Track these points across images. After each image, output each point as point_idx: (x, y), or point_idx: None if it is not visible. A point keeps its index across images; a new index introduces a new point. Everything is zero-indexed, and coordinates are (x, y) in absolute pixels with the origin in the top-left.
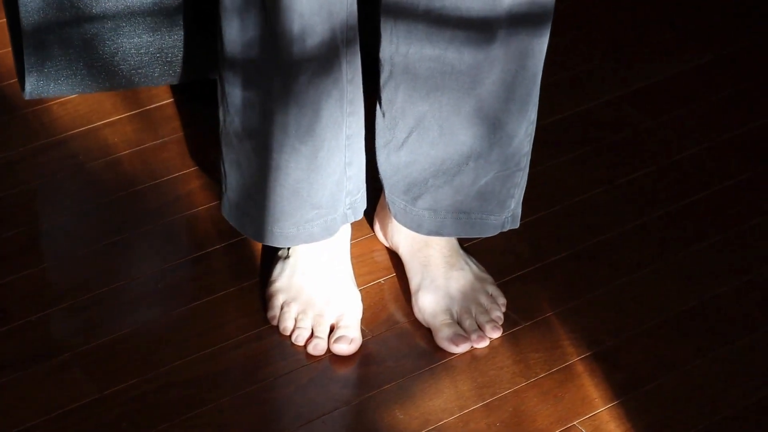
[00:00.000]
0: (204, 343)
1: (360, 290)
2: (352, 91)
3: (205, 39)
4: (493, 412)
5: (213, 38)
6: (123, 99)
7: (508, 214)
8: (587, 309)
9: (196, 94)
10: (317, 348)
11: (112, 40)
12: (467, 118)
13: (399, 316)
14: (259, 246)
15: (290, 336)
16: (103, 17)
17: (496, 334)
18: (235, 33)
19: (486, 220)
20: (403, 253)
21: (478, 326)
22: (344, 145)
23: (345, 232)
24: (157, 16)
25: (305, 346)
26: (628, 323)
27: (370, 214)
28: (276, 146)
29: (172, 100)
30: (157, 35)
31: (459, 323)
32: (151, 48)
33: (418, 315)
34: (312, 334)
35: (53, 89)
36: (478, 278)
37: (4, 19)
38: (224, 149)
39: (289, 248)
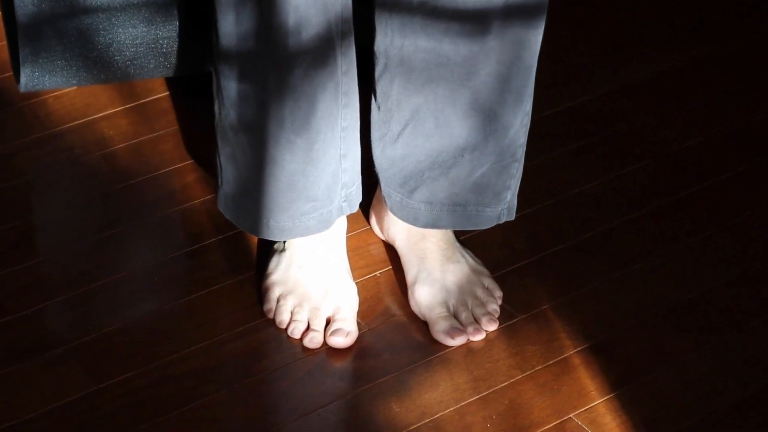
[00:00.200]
0: (200, 337)
1: (356, 283)
2: (347, 83)
3: (200, 31)
4: (490, 405)
5: (208, 30)
6: (119, 92)
7: (504, 206)
8: (583, 302)
9: (191, 87)
10: (313, 341)
11: (107, 31)
12: (462, 110)
13: (395, 309)
14: (254, 239)
15: (286, 329)
16: (97, 8)
17: (493, 327)
18: (231, 26)
19: (482, 212)
20: (400, 246)
21: (475, 319)
22: (339, 137)
23: (341, 225)
24: (152, 7)
25: (301, 339)
26: (624, 316)
27: (365, 207)
28: (271, 139)
29: (167, 93)
30: (152, 26)
31: (455, 316)
32: (146, 39)
33: (414, 308)
34: (308, 327)
35: (48, 81)
36: (474, 271)
37: None
38: (220, 142)
39: (285, 241)
